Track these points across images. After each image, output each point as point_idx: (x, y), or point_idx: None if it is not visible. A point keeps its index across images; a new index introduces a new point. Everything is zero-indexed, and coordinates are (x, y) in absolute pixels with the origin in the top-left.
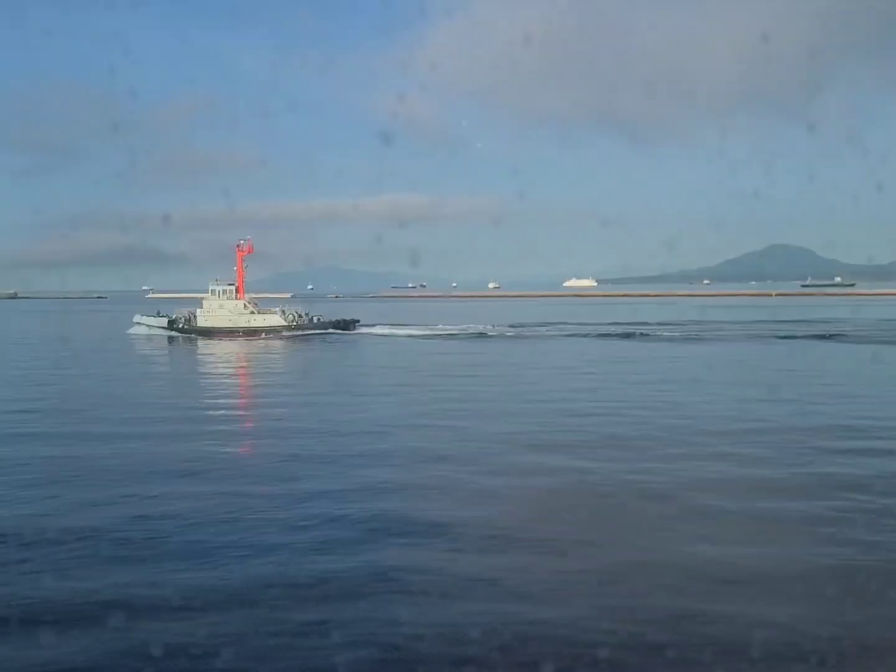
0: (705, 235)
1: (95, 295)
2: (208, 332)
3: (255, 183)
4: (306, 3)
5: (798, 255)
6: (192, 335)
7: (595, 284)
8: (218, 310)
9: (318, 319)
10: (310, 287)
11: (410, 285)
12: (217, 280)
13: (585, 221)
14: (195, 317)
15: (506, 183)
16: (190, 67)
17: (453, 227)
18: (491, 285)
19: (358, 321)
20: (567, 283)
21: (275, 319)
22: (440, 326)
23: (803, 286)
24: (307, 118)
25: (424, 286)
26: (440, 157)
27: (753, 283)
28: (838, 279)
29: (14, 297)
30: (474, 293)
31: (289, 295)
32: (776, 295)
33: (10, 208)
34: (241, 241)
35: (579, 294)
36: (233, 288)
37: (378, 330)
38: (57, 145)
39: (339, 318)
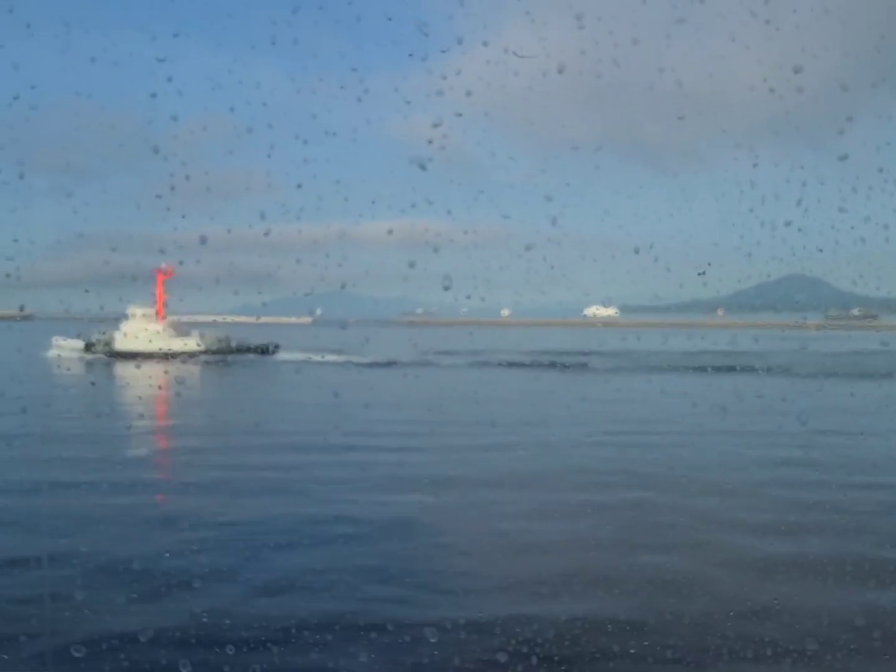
0: (719, 265)
1: (113, 317)
2: (125, 356)
3: (278, 208)
4: (343, 32)
5: (813, 285)
6: (110, 358)
7: (617, 314)
8: (135, 333)
9: (238, 344)
10: (318, 311)
11: (419, 311)
12: (137, 303)
13: (604, 249)
14: (113, 340)
15: (529, 210)
16: (226, 93)
17: (470, 253)
18: (504, 312)
19: (278, 346)
20: (588, 311)
21: (192, 343)
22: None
23: (826, 317)
24: (338, 144)
25: (432, 312)
26: (460, 183)
27: (766, 314)
28: (855, 311)
29: (28, 317)
30: (483, 320)
31: (310, 319)
32: (816, 327)
33: (40, 229)
34: (163, 265)
35: (603, 323)
36: (153, 311)
37: (298, 356)
38: (87, 167)
39: (259, 343)
